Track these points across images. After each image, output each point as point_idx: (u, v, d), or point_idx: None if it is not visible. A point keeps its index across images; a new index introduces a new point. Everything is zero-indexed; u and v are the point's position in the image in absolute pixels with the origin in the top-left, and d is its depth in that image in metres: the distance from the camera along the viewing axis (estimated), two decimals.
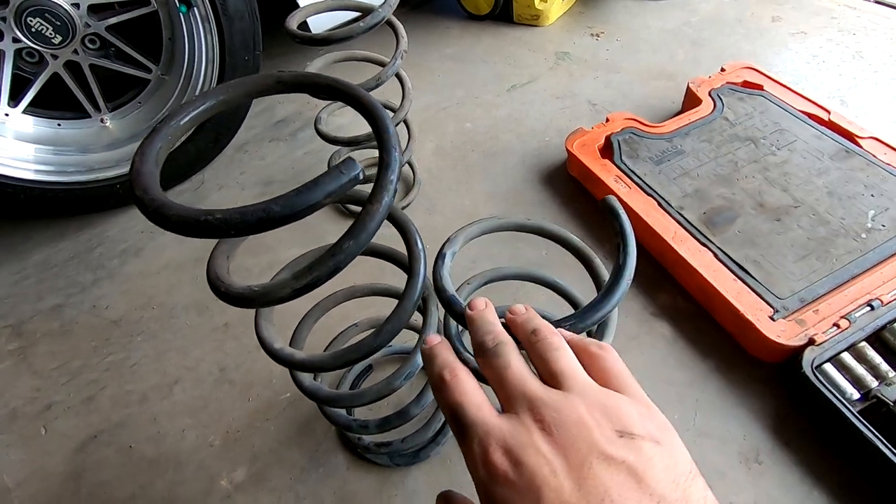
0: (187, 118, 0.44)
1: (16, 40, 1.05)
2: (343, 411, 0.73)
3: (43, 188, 1.12)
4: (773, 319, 0.83)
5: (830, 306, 0.84)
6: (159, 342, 1.03)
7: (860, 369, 0.77)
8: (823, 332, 0.81)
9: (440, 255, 0.57)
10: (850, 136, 1.10)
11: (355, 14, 1.12)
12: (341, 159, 0.35)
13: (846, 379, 0.77)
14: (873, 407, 0.75)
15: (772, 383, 0.85)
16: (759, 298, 0.86)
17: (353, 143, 1.04)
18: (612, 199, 0.52)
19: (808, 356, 0.78)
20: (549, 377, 0.30)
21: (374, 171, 0.42)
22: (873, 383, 0.76)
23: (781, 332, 0.82)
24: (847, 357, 0.79)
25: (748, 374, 0.87)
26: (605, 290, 0.48)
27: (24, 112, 1.14)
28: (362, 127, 0.97)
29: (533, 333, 0.33)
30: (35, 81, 1.12)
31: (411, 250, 0.55)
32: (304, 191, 0.34)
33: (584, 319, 0.48)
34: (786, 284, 0.88)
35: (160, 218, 0.35)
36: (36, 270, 1.19)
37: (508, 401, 0.29)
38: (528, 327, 0.33)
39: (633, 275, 0.49)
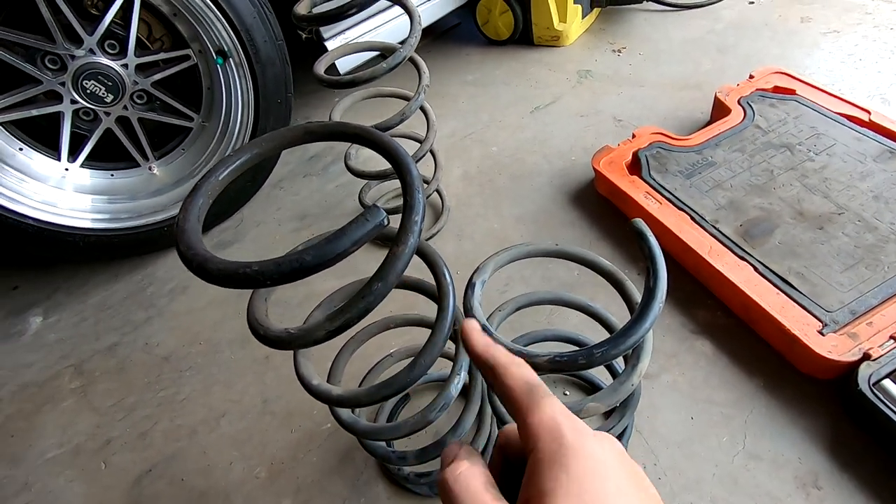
0: (226, 173, 0.48)
1: (73, 102, 1.15)
2: (382, 443, 0.74)
3: (99, 235, 1.21)
4: (822, 334, 0.80)
5: (885, 318, 0.80)
6: (206, 376, 1.08)
7: None
8: (879, 346, 0.76)
9: (470, 285, 0.58)
10: (894, 136, 1.05)
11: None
12: (369, 206, 0.37)
13: None
14: None
15: (826, 401, 0.81)
16: (805, 312, 0.83)
17: (381, 176, 1.07)
18: (640, 221, 0.53)
19: (865, 372, 0.74)
20: None
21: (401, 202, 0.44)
22: None
23: (833, 348, 0.78)
24: None
25: (799, 392, 0.83)
26: (637, 315, 0.48)
27: (82, 166, 1.24)
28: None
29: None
30: (90, 137, 1.21)
31: (440, 284, 0.56)
32: (333, 240, 0.36)
33: (617, 345, 0.48)
34: (834, 296, 0.84)
35: (203, 272, 0.37)
36: (94, 311, 1.27)
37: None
38: None
39: (664, 297, 0.49)
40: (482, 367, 0.32)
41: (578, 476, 0.25)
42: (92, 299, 1.30)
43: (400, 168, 0.44)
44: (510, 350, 0.51)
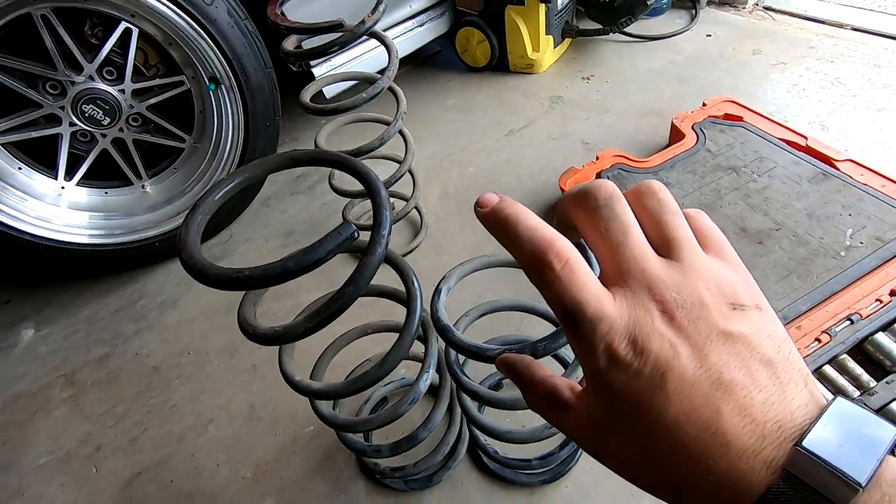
0: (220, 194, 0.55)
1: (72, 124, 1.22)
2: (360, 438, 0.81)
3: (94, 250, 1.27)
4: None
5: (812, 322, 0.89)
6: (195, 385, 1.13)
7: (842, 380, 0.81)
8: (806, 347, 0.85)
9: (437, 291, 0.66)
10: (827, 160, 1.16)
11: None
12: (341, 223, 0.45)
13: (829, 391, 0.81)
14: None
15: None
16: None
17: (362, 195, 1.16)
18: (582, 242, 0.61)
19: None
20: (664, 244, 0.28)
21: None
22: (855, 393, 0.80)
23: None
24: (829, 369, 0.83)
25: None
26: None
27: (77, 184, 1.30)
28: None
29: (646, 189, 0.29)
30: (87, 157, 1.28)
31: (408, 289, 0.64)
32: (310, 250, 0.44)
33: (557, 339, 0.56)
34: (769, 303, 0.93)
35: (202, 277, 0.45)
36: (85, 324, 1.32)
37: (622, 275, 0.26)
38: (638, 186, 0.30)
39: None
40: (495, 233, 0.30)
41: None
42: (83, 312, 1.35)
43: (370, 190, 0.52)
44: (465, 345, 0.59)
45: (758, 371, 0.24)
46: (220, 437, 1.03)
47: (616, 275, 0.27)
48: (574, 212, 0.29)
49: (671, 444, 0.23)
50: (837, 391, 0.81)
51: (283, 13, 0.88)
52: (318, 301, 0.74)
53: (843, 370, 0.83)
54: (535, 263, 0.27)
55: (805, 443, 0.21)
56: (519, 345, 0.55)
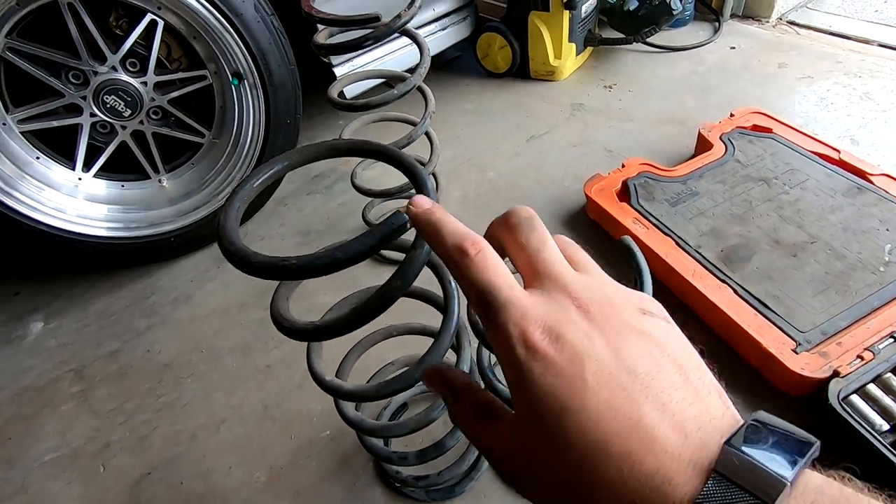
0: (259, 181, 0.53)
1: (92, 115, 1.20)
2: (382, 444, 0.78)
3: (108, 243, 1.25)
4: (796, 352, 0.86)
5: (853, 338, 0.86)
6: (207, 383, 1.10)
7: (887, 400, 0.78)
8: (848, 364, 0.82)
9: None
10: (861, 174, 1.14)
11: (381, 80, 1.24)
12: (392, 212, 0.42)
13: (874, 410, 0.78)
14: None
15: (800, 416, 0.86)
16: (781, 332, 0.89)
17: (385, 194, 1.13)
18: (628, 238, 0.59)
19: (834, 388, 0.80)
20: (571, 263, 0.30)
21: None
22: None
23: (805, 365, 0.84)
24: (874, 388, 0.80)
25: (775, 408, 0.88)
26: None
27: (94, 176, 1.28)
28: (390, 179, 1.07)
29: (527, 222, 0.31)
30: (105, 149, 1.26)
31: (446, 290, 0.61)
32: (361, 238, 0.41)
33: None
34: (807, 318, 0.90)
35: (244, 265, 0.42)
36: (96, 319, 1.29)
37: (538, 278, 0.28)
38: (520, 219, 0.31)
39: None
40: (425, 235, 0.32)
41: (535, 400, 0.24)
42: (94, 306, 1.32)
43: (416, 182, 0.50)
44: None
45: (671, 370, 0.24)
46: (232, 438, 1.00)
47: (533, 278, 0.28)
48: (498, 229, 0.31)
49: (596, 442, 0.23)
50: (884, 412, 0.77)
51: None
52: (346, 300, 0.71)
53: (889, 389, 0.79)
54: (452, 252, 0.29)
55: (734, 441, 0.22)
56: None
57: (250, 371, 1.11)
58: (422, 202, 0.33)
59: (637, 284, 0.57)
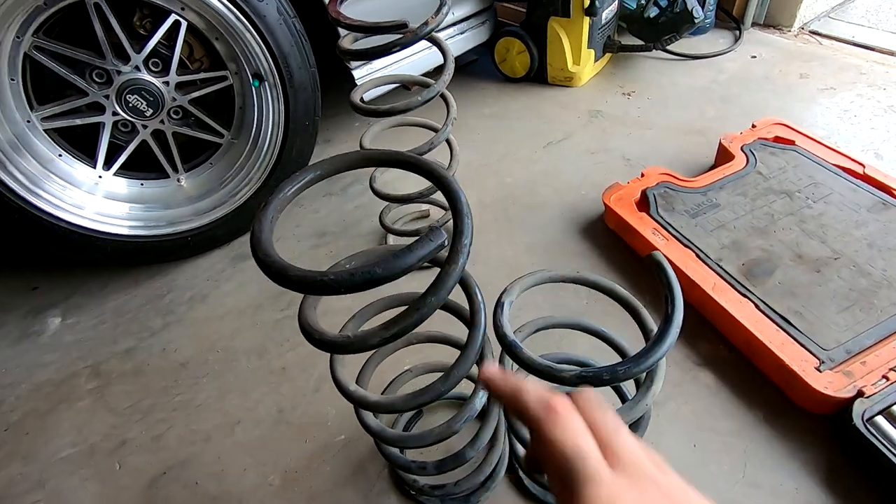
0: (293, 189, 0.53)
1: (115, 114, 1.21)
2: (400, 453, 0.78)
3: (126, 241, 1.25)
4: (819, 371, 0.84)
5: (878, 358, 0.85)
6: (222, 383, 1.11)
7: None
8: (873, 385, 0.81)
9: (499, 304, 0.63)
10: (886, 189, 1.12)
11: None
12: (430, 228, 0.42)
13: None
14: None
15: (823, 435, 0.85)
16: (803, 349, 0.88)
17: (405, 199, 1.13)
18: (659, 254, 0.58)
19: (858, 408, 0.79)
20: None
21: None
22: None
23: (829, 384, 0.82)
24: None
25: (797, 426, 0.87)
26: (656, 338, 0.53)
27: (115, 174, 1.29)
28: (407, 184, 1.06)
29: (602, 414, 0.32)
30: (126, 148, 1.27)
31: (472, 302, 0.61)
32: (400, 255, 0.41)
33: (639, 364, 0.52)
34: (830, 335, 0.89)
35: (282, 278, 0.42)
36: (112, 315, 1.30)
37: (620, 461, 0.29)
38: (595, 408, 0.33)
39: (681, 322, 0.54)
40: (504, 396, 0.34)
41: None
42: (111, 303, 1.33)
43: (451, 197, 0.49)
44: (536, 364, 0.55)
45: None
46: (247, 440, 1.00)
47: (613, 458, 0.28)
48: (566, 406, 0.32)
49: None
50: None
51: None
52: (370, 307, 0.71)
53: None
54: (538, 409, 0.31)
55: None
56: (596, 367, 0.52)
57: (265, 373, 1.11)
58: (492, 370, 0.36)
59: (667, 300, 0.56)
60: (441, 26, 1.68)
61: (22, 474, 1.01)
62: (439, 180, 0.50)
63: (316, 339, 0.50)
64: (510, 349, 0.56)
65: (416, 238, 0.42)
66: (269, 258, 0.43)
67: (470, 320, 0.60)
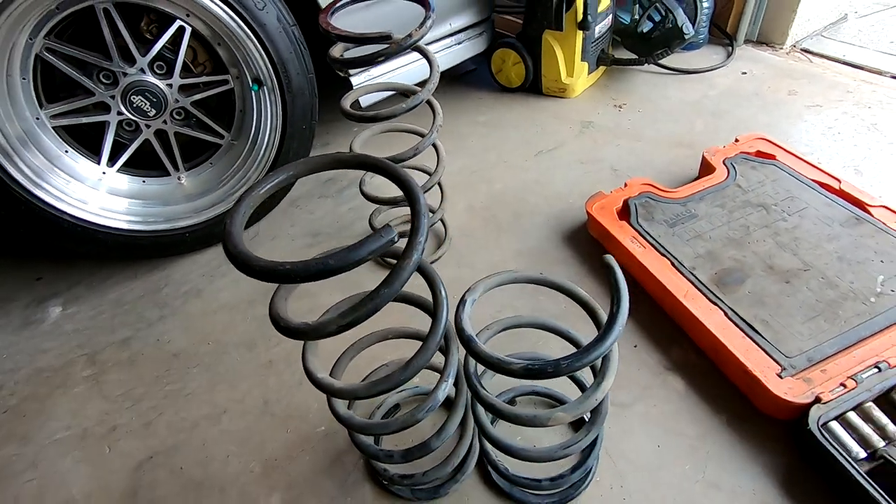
0: (265, 188, 0.57)
1: (119, 113, 1.27)
2: (372, 442, 0.81)
3: (127, 235, 1.31)
4: (780, 377, 0.87)
5: (838, 366, 0.87)
6: (212, 375, 1.15)
7: (867, 429, 0.79)
8: (830, 391, 0.84)
9: (462, 301, 0.67)
10: (860, 205, 1.15)
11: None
12: (382, 226, 0.46)
13: (852, 438, 0.79)
14: (881, 467, 0.77)
15: (782, 440, 0.88)
16: (767, 356, 0.91)
17: (392, 202, 1.17)
18: (610, 257, 0.62)
19: (815, 414, 0.81)
20: None
21: (408, 227, 0.53)
22: (880, 443, 0.78)
23: (789, 390, 0.85)
24: (853, 416, 0.81)
25: (759, 431, 0.90)
26: (600, 334, 0.57)
27: (118, 171, 1.35)
28: (397, 188, 1.11)
29: None
30: (130, 146, 1.33)
31: (435, 297, 0.65)
32: (352, 249, 0.45)
33: (581, 360, 0.56)
34: (794, 344, 0.92)
35: (246, 267, 0.46)
36: (111, 306, 1.35)
37: None
38: None
39: (625, 320, 0.58)
40: None
41: None
42: (110, 295, 1.38)
43: (410, 198, 0.54)
44: (489, 357, 0.59)
45: None
46: (232, 429, 1.04)
47: None
48: None
49: None
50: (862, 440, 0.79)
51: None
52: (345, 301, 0.76)
53: (868, 418, 0.81)
54: None
55: None
56: (542, 361, 0.55)
57: (254, 366, 1.15)
58: None
59: (613, 298, 0.60)
60: (439, 36, 1.73)
61: (17, 455, 1.05)
62: (400, 182, 0.54)
63: (281, 325, 0.54)
64: (467, 343, 0.59)
65: (368, 234, 0.46)
66: (236, 249, 0.48)
67: (433, 314, 0.64)
